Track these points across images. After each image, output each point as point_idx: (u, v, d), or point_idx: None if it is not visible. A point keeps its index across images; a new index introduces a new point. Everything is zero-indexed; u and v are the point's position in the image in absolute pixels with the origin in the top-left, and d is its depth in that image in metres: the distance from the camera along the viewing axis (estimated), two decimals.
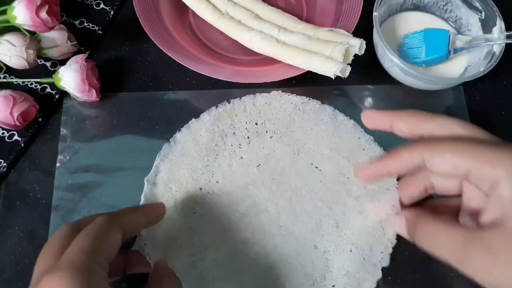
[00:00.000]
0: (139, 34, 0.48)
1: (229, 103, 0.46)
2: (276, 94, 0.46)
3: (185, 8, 0.51)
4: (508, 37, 0.44)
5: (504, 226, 0.26)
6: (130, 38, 0.50)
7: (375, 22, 0.45)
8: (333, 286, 0.38)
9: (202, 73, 0.44)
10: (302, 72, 0.44)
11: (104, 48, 0.50)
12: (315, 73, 0.44)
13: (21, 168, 0.43)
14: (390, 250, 0.39)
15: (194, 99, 0.47)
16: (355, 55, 0.44)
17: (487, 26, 0.47)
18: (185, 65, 0.44)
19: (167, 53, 0.45)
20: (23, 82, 0.47)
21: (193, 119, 0.45)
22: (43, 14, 0.41)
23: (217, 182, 0.42)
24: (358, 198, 0.41)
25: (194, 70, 0.44)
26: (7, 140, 0.44)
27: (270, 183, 0.42)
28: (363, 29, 0.47)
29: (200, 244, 0.39)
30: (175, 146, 0.44)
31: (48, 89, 0.47)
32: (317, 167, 0.43)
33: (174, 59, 0.44)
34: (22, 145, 0.44)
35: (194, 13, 0.50)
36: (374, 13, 0.45)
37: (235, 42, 0.48)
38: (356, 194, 0.42)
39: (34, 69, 0.45)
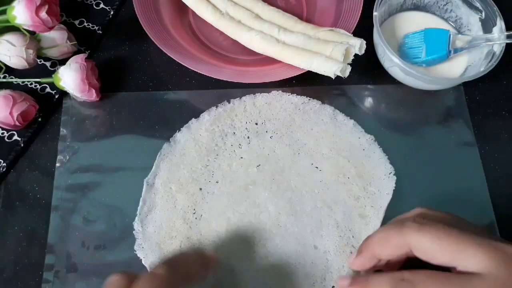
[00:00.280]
0: (139, 34, 0.48)
1: (229, 103, 0.46)
2: (276, 94, 0.46)
3: (185, 8, 0.51)
4: (508, 37, 0.44)
5: None
6: (130, 38, 0.50)
7: (375, 22, 0.45)
8: (332, 286, 0.38)
9: (202, 73, 0.44)
10: (302, 72, 0.44)
11: (104, 48, 0.50)
12: (315, 73, 0.44)
13: (20, 168, 0.43)
14: None
15: (194, 99, 0.47)
16: (355, 55, 0.44)
17: (487, 26, 0.47)
18: (185, 65, 0.44)
19: (167, 53, 0.44)
20: (22, 82, 0.46)
21: (193, 119, 0.45)
22: (43, 14, 0.41)
23: (217, 182, 0.42)
24: (358, 199, 0.41)
25: (194, 70, 0.44)
26: (7, 140, 0.44)
27: (270, 183, 0.42)
28: (363, 29, 0.47)
29: (200, 244, 0.39)
30: (175, 146, 0.43)
31: (48, 89, 0.46)
32: (317, 167, 0.43)
33: (174, 59, 0.44)
34: (22, 145, 0.44)
35: (194, 13, 0.50)
36: (374, 13, 0.45)
37: (235, 42, 0.48)
38: (357, 195, 0.42)
39: (34, 69, 0.45)
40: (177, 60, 0.44)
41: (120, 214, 0.41)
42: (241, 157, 0.43)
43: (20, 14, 0.40)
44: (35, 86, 0.47)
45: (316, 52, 0.44)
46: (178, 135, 0.44)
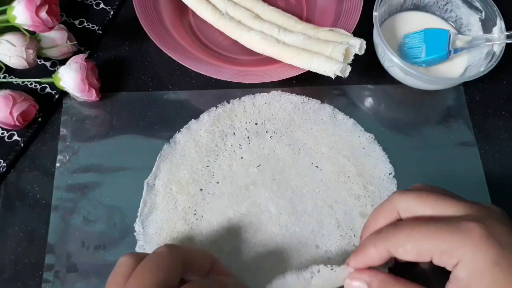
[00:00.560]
0: (139, 34, 0.48)
1: (228, 103, 0.46)
2: (275, 94, 0.46)
3: (185, 8, 0.51)
4: (508, 37, 0.44)
5: None
6: (130, 38, 0.50)
7: (375, 22, 0.45)
8: None
9: (202, 73, 0.44)
10: (302, 72, 0.44)
11: (104, 48, 0.50)
12: (315, 73, 0.44)
13: (20, 168, 0.43)
14: None
15: (194, 99, 0.47)
16: (355, 55, 0.44)
17: (487, 26, 0.47)
18: (185, 65, 0.44)
19: (167, 53, 0.44)
20: (22, 82, 0.46)
21: (193, 120, 0.45)
22: (43, 14, 0.41)
23: (217, 182, 0.42)
24: (359, 198, 0.41)
25: (194, 70, 0.44)
26: (7, 140, 0.44)
27: (270, 183, 0.42)
28: (363, 29, 0.47)
29: (201, 245, 0.39)
30: (175, 147, 0.43)
31: (48, 89, 0.46)
32: (317, 167, 0.43)
33: (174, 59, 0.44)
34: (22, 145, 0.44)
35: (194, 13, 0.50)
36: (374, 13, 0.45)
37: (235, 42, 0.48)
38: (357, 194, 0.42)
39: (33, 69, 0.45)
40: (177, 60, 0.44)
41: (120, 214, 0.41)
42: (241, 157, 0.43)
43: (20, 14, 0.40)
44: (35, 86, 0.47)
45: (316, 52, 0.44)
46: (178, 136, 0.44)
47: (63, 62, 0.45)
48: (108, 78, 0.47)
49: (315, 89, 0.47)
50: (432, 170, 0.44)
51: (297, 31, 0.47)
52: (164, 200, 0.41)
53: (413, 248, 0.29)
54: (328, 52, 0.43)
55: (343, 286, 0.32)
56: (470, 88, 0.48)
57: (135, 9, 0.47)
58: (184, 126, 0.44)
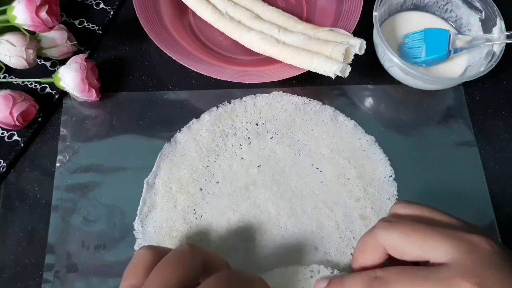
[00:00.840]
0: (139, 34, 0.48)
1: (229, 103, 0.46)
2: (276, 94, 0.46)
3: (185, 8, 0.51)
4: (508, 37, 0.44)
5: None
6: (130, 38, 0.50)
7: (375, 22, 0.45)
8: None
9: (202, 73, 0.44)
10: (302, 72, 0.44)
11: (104, 48, 0.50)
12: (315, 73, 0.44)
13: (20, 168, 0.43)
14: None
15: (194, 99, 0.47)
16: (355, 55, 0.44)
17: (487, 26, 0.47)
18: (185, 65, 0.44)
19: (167, 53, 0.44)
20: (22, 82, 0.46)
21: (193, 119, 0.45)
22: (43, 14, 0.41)
23: (217, 182, 0.42)
24: (359, 200, 0.41)
25: (194, 70, 0.44)
26: (7, 140, 0.44)
27: (270, 184, 0.42)
28: (363, 29, 0.47)
29: (200, 244, 0.39)
30: (176, 146, 0.43)
31: (48, 89, 0.46)
32: (317, 168, 0.43)
33: (174, 59, 0.44)
34: (22, 145, 0.44)
35: (194, 13, 0.50)
36: (374, 13, 0.45)
37: (235, 42, 0.48)
38: (357, 196, 0.42)
39: (33, 69, 0.45)
40: (177, 60, 0.44)
41: (120, 214, 0.41)
42: (242, 158, 0.43)
43: (20, 14, 0.40)
44: (35, 86, 0.47)
45: (316, 52, 0.44)
46: (178, 135, 0.44)
47: (63, 62, 0.45)
48: (108, 78, 0.47)
49: (315, 89, 0.47)
50: (432, 171, 0.44)
51: (297, 31, 0.47)
52: (164, 199, 0.41)
53: (407, 250, 0.30)
54: (328, 52, 0.43)
55: None
56: (470, 88, 0.48)
57: (135, 9, 0.47)
58: (185, 126, 0.45)
